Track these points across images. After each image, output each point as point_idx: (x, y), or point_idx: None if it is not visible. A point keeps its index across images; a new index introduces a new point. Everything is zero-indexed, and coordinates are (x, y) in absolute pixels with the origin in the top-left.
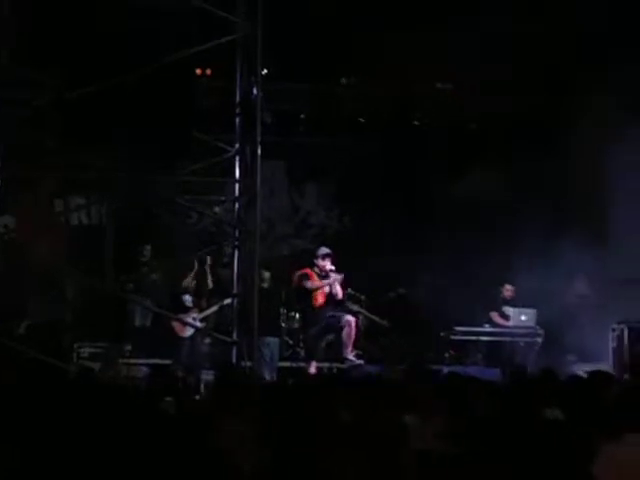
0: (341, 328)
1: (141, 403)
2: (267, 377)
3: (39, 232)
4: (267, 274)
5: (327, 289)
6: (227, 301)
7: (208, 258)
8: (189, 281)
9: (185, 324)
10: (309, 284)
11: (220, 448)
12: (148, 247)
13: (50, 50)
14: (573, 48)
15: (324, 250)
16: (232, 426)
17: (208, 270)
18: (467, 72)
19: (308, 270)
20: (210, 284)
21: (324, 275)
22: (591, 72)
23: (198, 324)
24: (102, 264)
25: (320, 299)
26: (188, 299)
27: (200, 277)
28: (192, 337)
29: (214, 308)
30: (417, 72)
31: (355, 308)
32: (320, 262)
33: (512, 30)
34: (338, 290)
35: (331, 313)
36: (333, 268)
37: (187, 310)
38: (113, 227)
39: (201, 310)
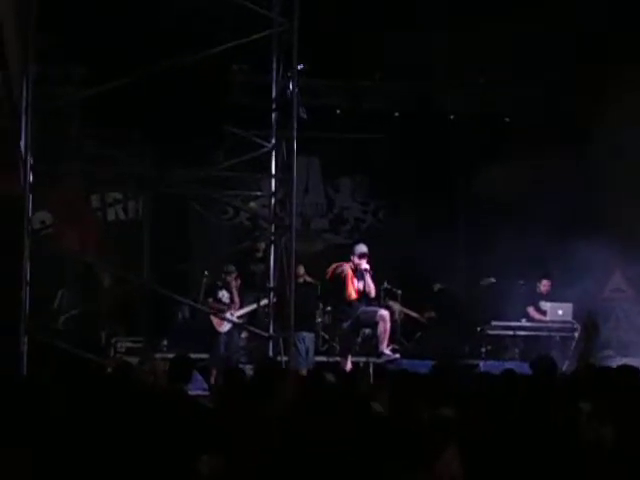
0: (376, 323)
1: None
2: (303, 372)
3: (76, 228)
4: (302, 269)
5: (360, 285)
6: (264, 302)
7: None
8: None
9: (223, 319)
10: (343, 275)
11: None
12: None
13: (84, 43)
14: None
15: (361, 249)
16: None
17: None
18: (497, 66)
19: (344, 264)
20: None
21: (359, 273)
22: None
23: (235, 319)
24: (139, 258)
25: (352, 294)
26: (224, 294)
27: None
28: (229, 332)
29: (251, 307)
30: (446, 68)
31: (392, 305)
32: (356, 260)
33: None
34: (371, 287)
35: (364, 308)
36: (368, 267)
37: (224, 305)
38: (150, 222)
39: (236, 305)
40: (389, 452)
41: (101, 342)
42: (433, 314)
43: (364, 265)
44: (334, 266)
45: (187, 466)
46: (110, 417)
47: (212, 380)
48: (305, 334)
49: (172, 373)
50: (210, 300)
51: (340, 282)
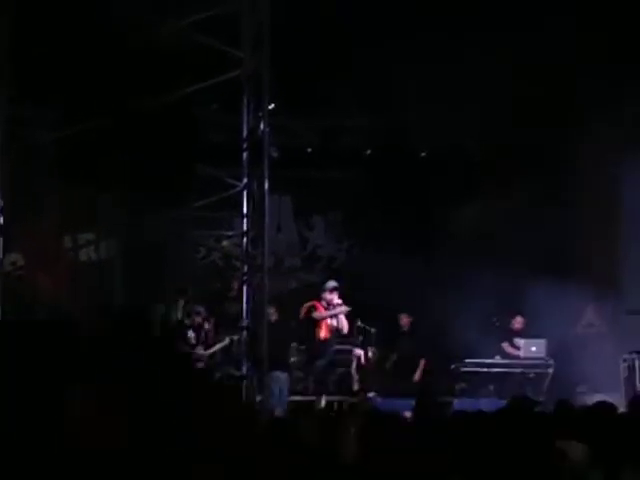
0: (350, 361)
1: None
2: (277, 412)
3: (48, 269)
4: (272, 309)
5: (333, 322)
6: (234, 337)
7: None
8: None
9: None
10: (316, 315)
11: None
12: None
13: (50, 87)
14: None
15: (332, 284)
16: None
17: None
18: (468, 103)
19: (316, 302)
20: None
21: (331, 308)
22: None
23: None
24: (112, 299)
25: (324, 332)
26: (191, 335)
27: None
28: None
29: (221, 344)
30: (421, 104)
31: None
32: (327, 295)
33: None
34: (344, 324)
35: (339, 347)
36: (340, 302)
37: (192, 347)
38: (122, 262)
39: (206, 345)
40: None
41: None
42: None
43: (336, 300)
44: (306, 305)
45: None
46: None
47: None
48: (279, 374)
49: None
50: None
51: (313, 321)
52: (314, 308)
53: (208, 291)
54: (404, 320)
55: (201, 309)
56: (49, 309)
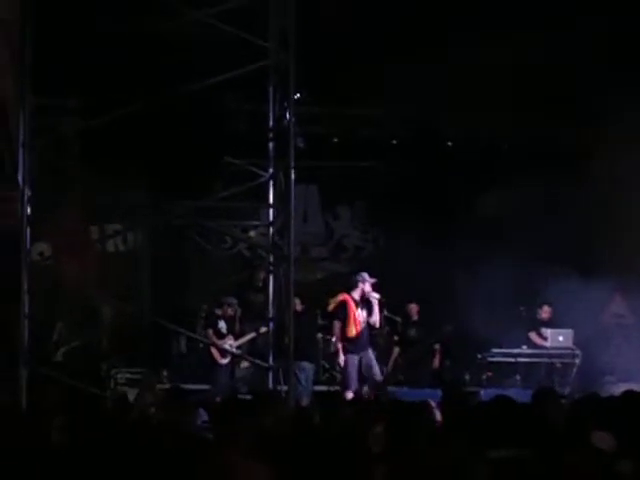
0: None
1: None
2: (303, 401)
3: (75, 259)
4: (296, 300)
5: (364, 314)
6: (263, 329)
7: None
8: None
9: (223, 352)
10: (344, 312)
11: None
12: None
13: (76, 76)
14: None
15: (369, 277)
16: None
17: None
18: (494, 93)
19: (346, 297)
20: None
21: (365, 302)
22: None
23: (235, 351)
24: (139, 290)
25: (354, 330)
26: (223, 325)
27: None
28: (230, 363)
29: (250, 335)
30: (448, 94)
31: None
32: (366, 288)
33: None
34: (377, 318)
35: (367, 354)
36: (378, 296)
37: (223, 337)
38: (149, 253)
39: (236, 336)
40: None
41: (101, 374)
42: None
43: (374, 294)
44: (337, 300)
45: None
46: (109, 450)
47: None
48: (305, 364)
49: (168, 405)
50: (210, 331)
51: (343, 315)
52: (344, 305)
53: (235, 282)
54: (413, 309)
55: (233, 300)
56: (76, 299)
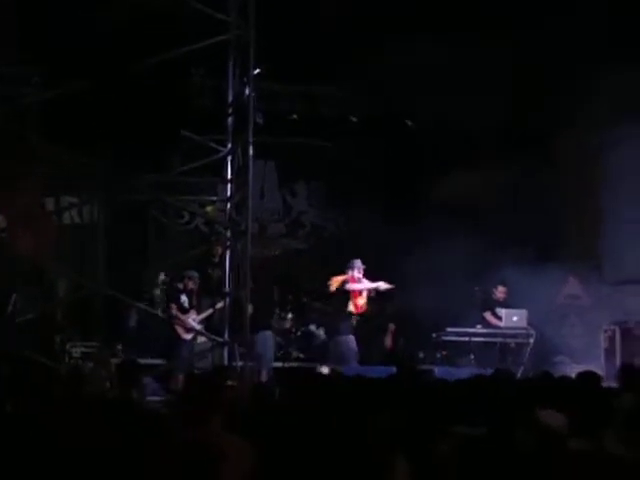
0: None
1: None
2: (262, 375)
3: (30, 231)
4: None
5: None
6: (219, 305)
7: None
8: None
9: (189, 330)
10: (349, 287)
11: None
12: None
13: (36, 46)
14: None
15: (359, 263)
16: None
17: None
18: (455, 73)
19: (348, 276)
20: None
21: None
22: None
23: (197, 326)
24: (95, 263)
25: (354, 307)
26: (185, 299)
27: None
28: (192, 339)
29: (209, 311)
30: (408, 73)
31: None
32: (356, 274)
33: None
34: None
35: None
36: (365, 281)
37: (186, 311)
38: (105, 226)
39: (198, 311)
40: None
41: (55, 347)
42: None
43: (364, 280)
44: (338, 278)
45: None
46: (61, 423)
47: (178, 386)
48: (266, 334)
49: (120, 378)
50: (173, 306)
51: (344, 295)
52: (347, 281)
53: (192, 257)
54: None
55: (194, 273)
56: (31, 272)
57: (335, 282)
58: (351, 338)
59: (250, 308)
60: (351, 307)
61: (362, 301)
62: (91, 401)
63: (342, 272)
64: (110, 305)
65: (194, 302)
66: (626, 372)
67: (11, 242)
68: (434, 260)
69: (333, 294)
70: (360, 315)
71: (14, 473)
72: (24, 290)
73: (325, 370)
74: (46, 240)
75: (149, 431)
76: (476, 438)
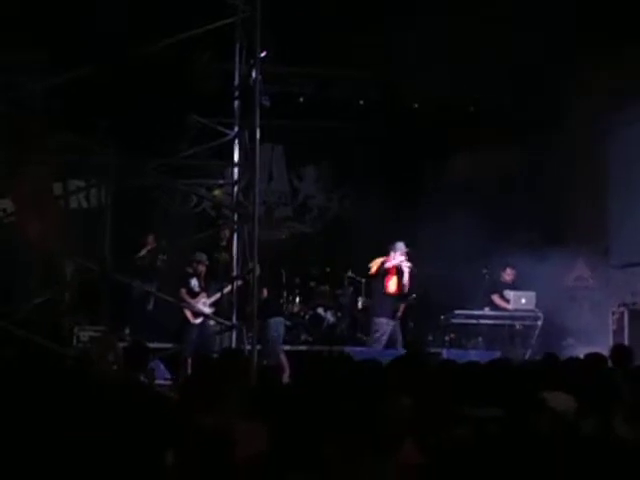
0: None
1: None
2: (269, 360)
3: (38, 215)
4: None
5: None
6: (227, 289)
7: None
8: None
9: (198, 314)
10: (387, 264)
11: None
12: (152, 236)
13: (40, 31)
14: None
15: (402, 246)
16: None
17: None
18: (462, 57)
19: (386, 258)
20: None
21: (399, 270)
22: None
23: (207, 310)
24: (102, 247)
25: (392, 287)
26: (195, 284)
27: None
28: (202, 322)
29: (217, 295)
30: (416, 56)
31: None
32: (398, 256)
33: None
34: (406, 285)
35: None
36: (410, 265)
37: (196, 295)
38: (112, 210)
39: (208, 295)
40: (353, 442)
41: (63, 331)
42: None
43: (405, 263)
44: (378, 260)
45: (149, 461)
46: (69, 408)
47: (189, 370)
48: (278, 320)
49: (128, 361)
50: (183, 291)
51: (384, 272)
52: (385, 262)
53: (199, 240)
54: None
55: (203, 256)
56: (39, 256)
57: (375, 264)
58: (383, 321)
59: (264, 292)
60: (392, 288)
61: (405, 280)
62: (99, 384)
63: (348, 256)
64: (118, 289)
65: (203, 285)
66: (616, 352)
67: (19, 226)
68: (442, 242)
69: (373, 276)
70: (401, 295)
71: (22, 457)
72: (33, 275)
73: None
74: (53, 225)
75: (158, 415)
76: (493, 421)
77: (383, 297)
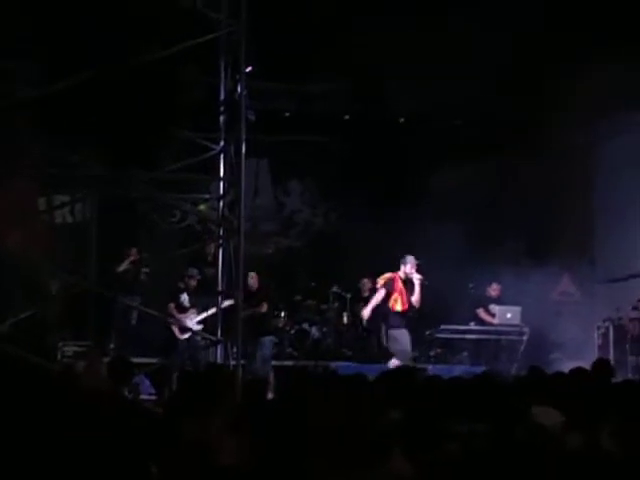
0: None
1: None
2: (261, 376)
3: (21, 230)
4: (252, 274)
5: (408, 297)
6: (227, 302)
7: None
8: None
9: (184, 329)
10: (391, 286)
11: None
12: (135, 249)
13: (28, 44)
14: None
15: (413, 259)
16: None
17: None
18: (447, 70)
19: (395, 275)
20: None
21: (410, 284)
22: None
23: (196, 326)
24: (87, 262)
25: (401, 305)
26: (185, 298)
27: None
28: (190, 337)
29: (212, 310)
30: (400, 70)
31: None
32: (408, 269)
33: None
34: (418, 298)
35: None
36: (421, 277)
37: (185, 310)
38: (97, 225)
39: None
40: (338, 456)
41: (47, 347)
42: None
43: (416, 274)
44: (385, 277)
45: (134, 476)
46: (54, 422)
47: (174, 385)
48: (273, 339)
49: (111, 376)
50: (171, 305)
51: (390, 289)
52: (392, 281)
53: (185, 255)
54: (366, 285)
55: (194, 271)
56: (22, 271)
57: (382, 279)
58: (403, 332)
59: (264, 306)
60: (399, 307)
61: (414, 297)
62: (84, 399)
63: (335, 271)
64: (102, 305)
65: (194, 301)
66: (597, 366)
67: (2, 241)
68: (426, 256)
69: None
70: (407, 312)
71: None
72: (17, 290)
73: (395, 363)
74: (38, 240)
75: (143, 429)
76: (480, 436)
77: (393, 311)
